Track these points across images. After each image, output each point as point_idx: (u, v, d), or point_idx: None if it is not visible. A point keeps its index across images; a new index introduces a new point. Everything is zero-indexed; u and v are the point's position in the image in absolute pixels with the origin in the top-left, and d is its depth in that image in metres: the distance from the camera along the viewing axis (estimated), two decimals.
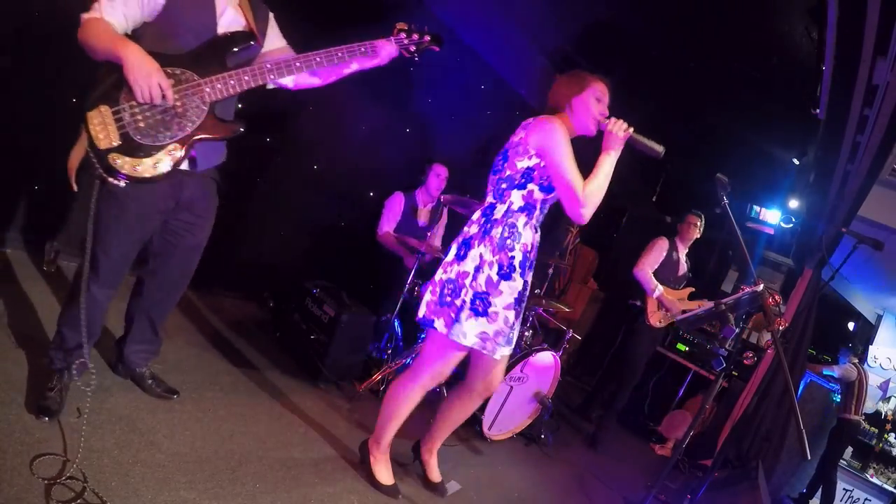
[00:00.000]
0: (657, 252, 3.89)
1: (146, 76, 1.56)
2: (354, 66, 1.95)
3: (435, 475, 2.37)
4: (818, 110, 3.28)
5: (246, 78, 1.72)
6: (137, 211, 1.74)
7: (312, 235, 3.90)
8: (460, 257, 1.99)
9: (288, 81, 1.94)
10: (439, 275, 2.04)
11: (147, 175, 1.62)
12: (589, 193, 1.88)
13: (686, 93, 4.39)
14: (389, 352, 3.26)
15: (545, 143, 1.92)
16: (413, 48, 1.96)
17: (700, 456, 4.39)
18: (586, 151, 2.05)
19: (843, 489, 5.69)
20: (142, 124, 1.62)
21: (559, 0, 3.84)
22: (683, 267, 4.05)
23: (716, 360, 2.57)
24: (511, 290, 1.96)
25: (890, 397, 6.49)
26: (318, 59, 1.81)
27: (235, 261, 3.52)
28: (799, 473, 5.26)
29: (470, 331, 1.93)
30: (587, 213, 1.90)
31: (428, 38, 1.97)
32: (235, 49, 1.75)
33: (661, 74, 4.21)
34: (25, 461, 1.52)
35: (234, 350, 2.82)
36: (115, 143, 1.59)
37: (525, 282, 2.02)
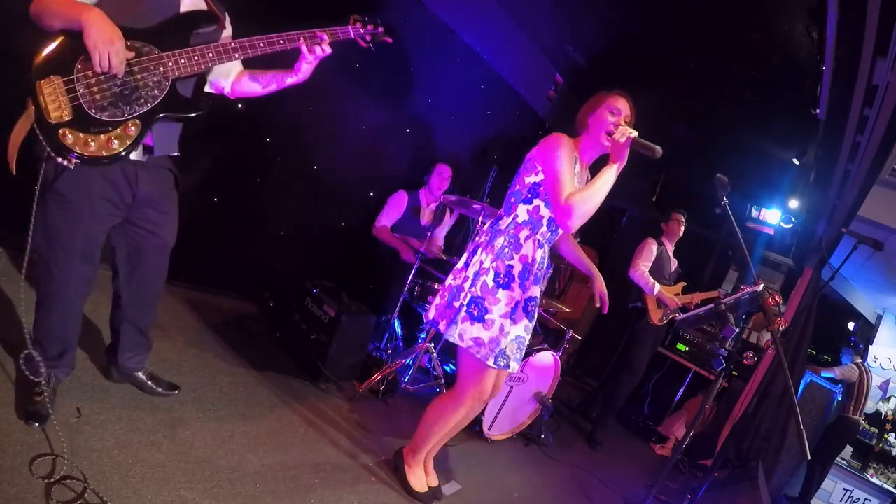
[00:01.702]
0: (649, 252, 3.99)
1: (108, 41, 1.43)
2: (291, 79, 1.88)
3: (432, 479, 2.36)
4: (818, 110, 3.28)
5: (210, 55, 1.62)
6: (89, 208, 1.61)
7: (312, 235, 3.90)
8: (467, 265, 2.05)
9: (226, 83, 1.88)
10: (449, 280, 2.11)
11: (101, 154, 1.48)
12: (575, 201, 1.84)
13: (686, 93, 4.39)
14: (389, 352, 3.26)
15: (544, 153, 1.96)
16: (368, 38, 1.92)
17: (700, 456, 4.39)
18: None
19: (843, 489, 5.69)
20: (98, 97, 1.48)
21: (559, 0, 3.84)
22: (674, 263, 4.16)
23: (716, 360, 2.57)
24: (509, 299, 1.98)
25: (890, 397, 6.49)
26: (280, 42, 1.73)
27: (235, 261, 3.52)
28: (799, 473, 5.26)
29: (466, 334, 1.97)
30: (572, 222, 1.86)
31: (381, 28, 1.93)
32: (199, 29, 1.67)
33: (661, 74, 4.20)
34: (25, 461, 1.52)
35: (234, 350, 2.82)
36: (67, 117, 1.44)
37: (527, 296, 2.02)
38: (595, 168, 2.06)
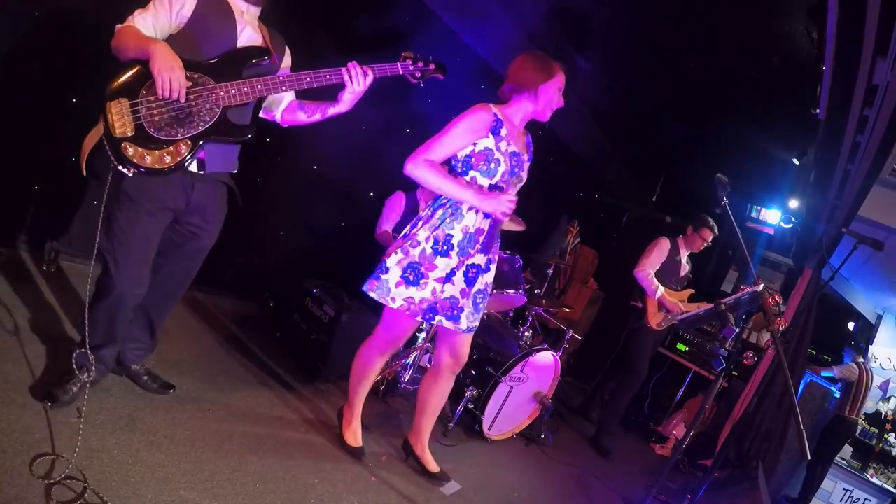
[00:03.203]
0: (659, 253, 3.83)
1: (169, 69, 1.65)
2: (333, 109, 2.03)
3: (432, 466, 2.42)
4: (818, 110, 3.28)
5: (259, 87, 1.81)
6: (150, 207, 1.78)
7: (312, 235, 3.90)
8: (405, 236, 2.10)
9: (277, 111, 2.08)
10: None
11: (155, 166, 1.69)
12: (423, 168, 1.96)
13: (686, 93, 4.39)
14: None
15: (458, 116, 2.02)
16: (419, 74, 2.05)
17: (700, 456, 4.39)
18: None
19: (843, 489, 5.69)
20: (156, 118, 1.70)
21: (560, 0, 3.84)
22: (685, 268, 4.00)
23: (716, 360, 2.57)
24: (445, 266, 2.04)
25: (890, 397, 6.48)
26: (327, 77, 1.90)
27: (236, 261, 3.52)
28: (799, 473, 5.27)
29: (398, 296, 2.04)
30: (409, 170, 1.98)
31: (433, 65, 2.06)
32: (251, 62, 1.86)
33: (661, 74, 4.20)
34: (25, 461, 1.52)
35: (235, 350, 2.83)
36: (129, 133, 1.67)
37: (471, 263, 2.08)
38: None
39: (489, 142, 2.02)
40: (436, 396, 2.34)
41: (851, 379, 5.24)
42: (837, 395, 5.42)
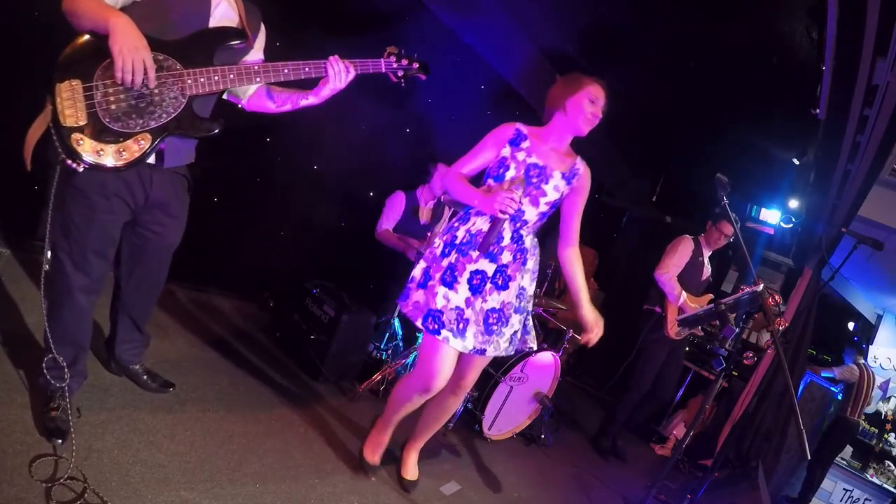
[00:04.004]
0: (683, 253, 3.51)
1: (133, 48, 1.43)
2: (306, 101, 1.89)
3: (411, 472, 2.33)
4: (818, 110, 3.28)
5: (231, 76, 1.62)
6: (105, 205, 1.62)
7: (312, 235, 3.90)
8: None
9: (243, 96, 1.88)
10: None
11: (109, 164, 1.49)
12: (449, 176, 2.06)
13: (686, 93, 4.39)
14: (389, 352, 3.26)
15: (488, 134, 2.09)
16: (401, 73, 1.94)
17: (700, 456, 4.39)
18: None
19: (843, 489, 5.70)
20: (113, 107, 1.48)
21: (560, 0, 3.84)
22: (707, 271, 3.70)
23: (716, 360, 2.57)
24: (447, 264, 2.00)
25: (890, 397, 6.49)
26: (306, 69, 1.76)
27: (235, 261, 3.52)
28: (799, 473, 5.27)
29: (410, 300, 2.02)
30: (439, 181, 2.06)
31: (416, 65, 1.95)
32: (225, 45, 1.65)
33: (661, 75, 4.20)
34: (25, 461, 1.52)
35: (234, 350, 2.82)
36: (81, 122, 1.45)
37: (473, 268, 1.96)
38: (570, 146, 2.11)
39: (506, 151, 2.05)
40: (433, 409, 2.23)
41: (852, 380, 5.24)
42: (839, 396, 5.41)
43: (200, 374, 2.43)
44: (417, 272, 2.06)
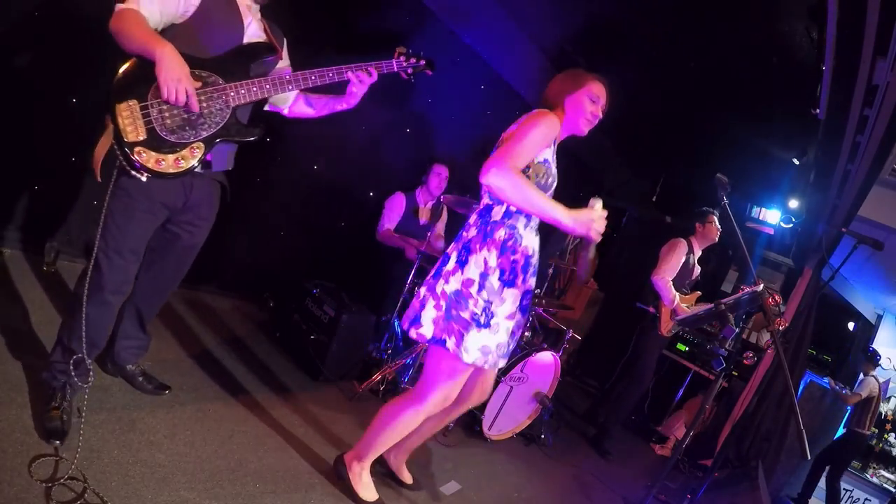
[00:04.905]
0: (678, 257, 3.64)
1: (176, 80, 1.61)
2: (341, 105, 2.09)
3: (406, 476, 2.29)
4: (818, 110, 3.28)
5: (267, 86, 1.81)
6: (146, 206, 1.75)
7: (312, 235, 3.90)
8: (462, 263, 1.83)
9: (284, 106, 2.08)
10: (441, 286, 1.84)
11: (170, 171, 1.67)
12: (509, 180, 1.68)
13: (686, 93, 4.39)
14: (389, 352, 3.26)
15: (527, 120, 1.81)
16: (410, 70, 2.07)
17: (700, 456, 4.39)
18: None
19: (844, 489, 5.70)
20: (168, 122, 1.67)
21: (560, 0, 3.84)
22: (696, 270, 3.87)
23: (716, 360, 2.57)
24: (513, 297, 1.84)
25: (890, 397, 6.49)
26: (330, 75, 1.92)
27: (235, 261, 3.52)
28: (799, 473, 5.26)
29: (472, 346, 1.77)
30: (485, 181, 1.70)
31: (423, 62, 2.08)
32: (259, 59, 1.84)
33: (661, 74, 4.20)
34: (25, 461, 1.52)
35: (234, 350, 2.82)
36: (142, 137, 1.63)
37: (527, 289, 1.91)
38: (561, 144, 1.98)
39: (549, 153, 1.86)
40: (439, 423, 2.14)
41: (872, 394, 5.18)
42: (850, 408, 5.34)
43: (200, 373, 2.43)
44: (472, 309, 1.78)
